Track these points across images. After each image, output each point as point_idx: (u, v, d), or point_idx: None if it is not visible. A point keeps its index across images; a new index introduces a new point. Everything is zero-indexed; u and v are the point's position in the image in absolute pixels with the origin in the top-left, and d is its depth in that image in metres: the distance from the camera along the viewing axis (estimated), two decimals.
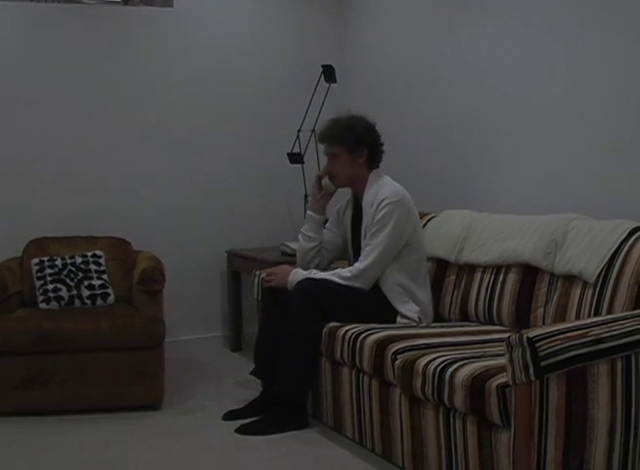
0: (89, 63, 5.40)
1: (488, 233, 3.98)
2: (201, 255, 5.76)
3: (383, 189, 4.03)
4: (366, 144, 4.13)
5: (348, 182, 4.22)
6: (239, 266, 5.53)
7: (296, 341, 3.87)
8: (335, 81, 5.58)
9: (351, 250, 4.30)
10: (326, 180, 4.28)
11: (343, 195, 4.40)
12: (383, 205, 3.95)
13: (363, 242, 4.04)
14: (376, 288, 4.02)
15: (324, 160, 5.61)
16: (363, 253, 4.00)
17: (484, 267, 3.94)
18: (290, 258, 4.99)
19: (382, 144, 4.19)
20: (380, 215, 3.94)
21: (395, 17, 5.32)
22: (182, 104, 5.65)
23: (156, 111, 5.58)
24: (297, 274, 4.05)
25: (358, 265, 3.98)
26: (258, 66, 5.84)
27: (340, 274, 3.98)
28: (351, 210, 4.32)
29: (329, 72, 5.54)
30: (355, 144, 4.11)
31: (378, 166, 4.20)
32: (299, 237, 4.37)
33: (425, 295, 4.06)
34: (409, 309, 3.97)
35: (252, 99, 5.84)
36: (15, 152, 5.25)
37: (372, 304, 3.99)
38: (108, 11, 5.45)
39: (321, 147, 5.56)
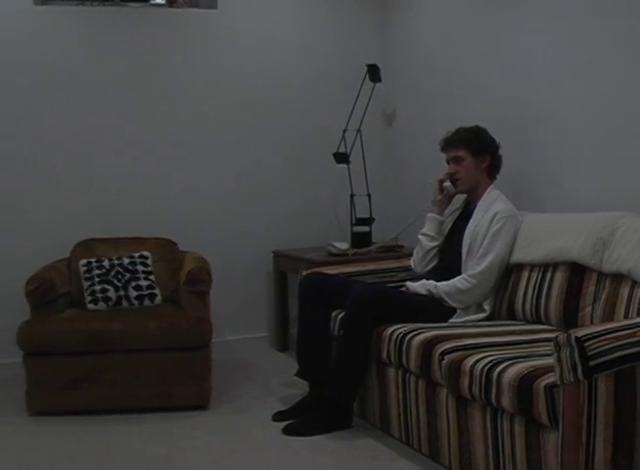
0: (135, 65, 5.44)
1: (535, 232, 3.95)
2: (247, 255, 5.77)
3: (498, 203, 4.11)
4: (489, 151, 4.23)
5: (471, 186, 4.26)
6: (285, 266, 5.54)
7: (350, 348, 3.85)
8: (380, 81, 5.58)
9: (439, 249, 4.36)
10: (447, 183, 4.32)
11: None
12: (499, 217, 4.02)
13: (465, 245, 4.08)
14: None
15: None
16: (475, 261, 4.02)
17: (532, 266, 3.91)
18: (336, 259, 5.00)
19: (500, 156, 4.26)
20: (496, 227, 4.00)
21: (439, 13, 5.29)
22: (227, 105, 5.66)
23: (202, 112, 5.60)
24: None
25: (471, 273, 4.00)
26: (303, 66, 5.84)
27: (457, 287, 3.99)
28: (458, 212, 4.37)
29: (374, 72, 5.53)
30: (479, 149, 4.21)
31: (495, 178, 4.27)
32: (420, 238, 4.39)
33: (491, 305, 4.07)
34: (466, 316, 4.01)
35: (298, 99, 5.84)
36: (63, 154, 5.31)
37: (428, 308, 3.97)
38: (152, 13, 5.51)
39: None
